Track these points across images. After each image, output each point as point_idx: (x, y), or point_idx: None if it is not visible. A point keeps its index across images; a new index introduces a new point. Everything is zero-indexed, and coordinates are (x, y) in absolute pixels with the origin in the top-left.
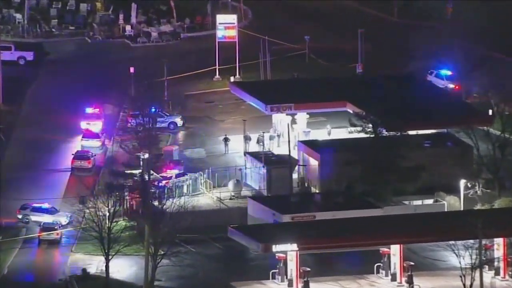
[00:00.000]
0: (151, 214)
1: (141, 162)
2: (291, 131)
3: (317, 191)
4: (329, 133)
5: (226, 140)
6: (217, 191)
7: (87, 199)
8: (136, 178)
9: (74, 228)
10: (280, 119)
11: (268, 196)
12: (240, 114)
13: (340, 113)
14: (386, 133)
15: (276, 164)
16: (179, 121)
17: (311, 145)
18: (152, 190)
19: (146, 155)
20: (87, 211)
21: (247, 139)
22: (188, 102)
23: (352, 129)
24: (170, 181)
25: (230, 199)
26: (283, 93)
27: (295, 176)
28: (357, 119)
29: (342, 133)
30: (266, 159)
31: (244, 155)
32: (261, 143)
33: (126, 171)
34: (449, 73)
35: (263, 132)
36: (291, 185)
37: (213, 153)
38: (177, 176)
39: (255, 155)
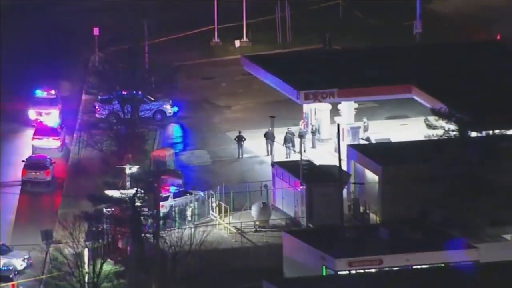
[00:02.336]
0: (161, 260)
1: (127, 179)
2: (329, 125)
3: (378, 220)
4: (366, 129)
5: (240, 139)
6: (235, 219)
7: (51, 232)
8: (125, 204)
9: (35, 276)
10: (315, 107)
11: (311, 228)
12: (253, 96)
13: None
14: (478, 135)
15: (319, 181)
16: (168, 108)
17: (368, 152)
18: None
19: (134, 168)
20: (53, 250)
21: (269, 138)
22: (177, 78)
23: (432, 133)
24: (165, 203)
25: (256, 231)
26: (320, 72)
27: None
28: (437, 118)
29: (392, 126)
30: (304, 172)
31: (272, 166)
32: (289, 144)
33: (110, 194)
34: None
35: (303, 132)
36: (342, 211)
37: (221, 158)
38: (175, 195)
39: (287, 166)
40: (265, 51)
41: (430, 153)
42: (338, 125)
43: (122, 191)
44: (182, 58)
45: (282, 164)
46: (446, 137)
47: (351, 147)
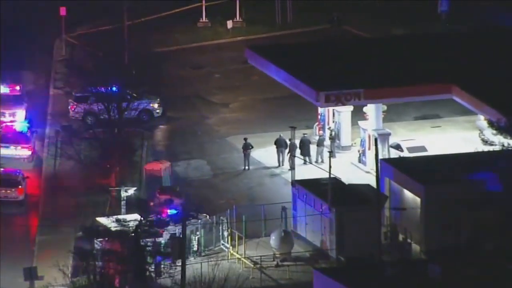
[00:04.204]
0: None
1: (122, 204)
2: (350, 129)
3: (422, 251)
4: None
5: (246, 147)
6: (251, 250)
7: (36, 270)
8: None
9: None
10: (333, 107)
11: (345, 263)
12: (254, 90)
13: None
14: None
15: (351, 204)
16: (156, 107)
17: (406, 168)
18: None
19: (131, 191)
20: None
21: (281, 145)
22: (161, 68)
23: (487, 149)
24: (167, 229)
25: (277, 265)
26: (340, 67)
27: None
28: (495, 132)
29: (422, 128)
30: (333, 193)
31: (293, 185)
32: (294, 152)
33: (103, 222)
34: None
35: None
36: (380, 243)
37: (224, 170)
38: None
39: (312, 186)
40: (262, 33)
41: (481, 168)
42: (376, 139)
43: (123, 221)
44: (165, 42)
45: (305, 184)
46: (501, 150)
47: (384, 161)
